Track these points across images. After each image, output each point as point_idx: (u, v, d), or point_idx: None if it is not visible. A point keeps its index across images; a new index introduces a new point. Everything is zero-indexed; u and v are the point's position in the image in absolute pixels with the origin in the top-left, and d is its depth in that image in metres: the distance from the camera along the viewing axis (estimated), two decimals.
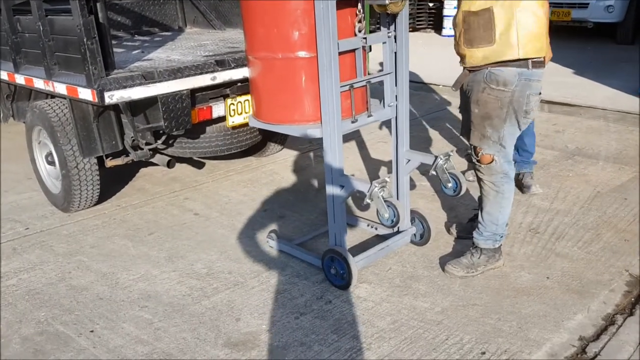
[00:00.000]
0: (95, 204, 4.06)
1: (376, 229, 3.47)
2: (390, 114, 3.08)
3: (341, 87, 2.71)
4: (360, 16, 2.79)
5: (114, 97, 3.01)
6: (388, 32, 2.94)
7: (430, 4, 12.11)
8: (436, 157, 3.01)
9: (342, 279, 2.94)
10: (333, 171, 2.84)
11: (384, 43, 2.98)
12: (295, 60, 2.74)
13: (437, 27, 12.08)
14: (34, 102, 3.90)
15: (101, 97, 2.96)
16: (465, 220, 3.55)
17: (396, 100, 3.06)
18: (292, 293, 2.97)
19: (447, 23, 11.50)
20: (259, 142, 4.21)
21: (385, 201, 2.70)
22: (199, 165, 4.83)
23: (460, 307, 2.79)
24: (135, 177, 4.66)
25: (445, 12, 11.41)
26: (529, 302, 2.81)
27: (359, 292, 2.95)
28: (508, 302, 2.81)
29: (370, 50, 3.09)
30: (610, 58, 8.47)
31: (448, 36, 11.39)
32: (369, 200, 2.73)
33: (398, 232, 3.28)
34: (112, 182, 4.43)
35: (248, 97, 3.53)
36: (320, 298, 2.92)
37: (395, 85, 3.04)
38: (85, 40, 2.89)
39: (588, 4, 9.51)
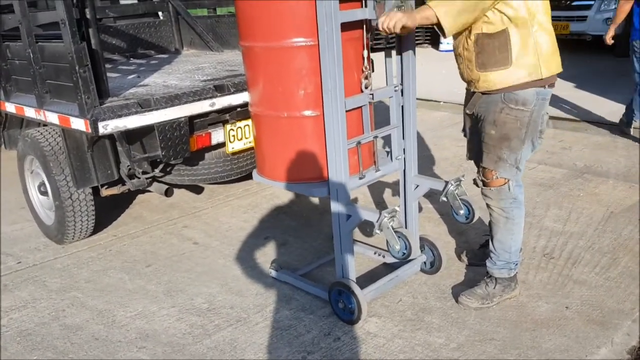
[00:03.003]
0: (90, 235, 3.90)
1: (383, 256, 3.32)
2: (398, 166, 2.99)
3: (348, 144, 2.63)
4: (367, 72, 2.72)
5: (108, 127, 2.87)
6: (395, 87, 2.87)
7: None
8: (447, 182, 2.87)
9: (350, 314, 2.79)
10: (339, 201, 2.70)
11: (390, 97, 2.90)
12: (301, 119, 2.66)
13: (434, 42, 12.02)
14: (26, 131, 3.77)
15: (95, 128, 2.82)
16: (477, 246, 3.41)
17: (404, 153, 2.97)
18: (298, 329, 2.81)
19: (444, 38, 11.42)
20: None
21: (395, 232, 2.56)
22: (198, 190, 4.69)
23: (477, 343, 2.63)
24: (132, 204, 4.51)
25: None
26: (549, 335, 2.66)
27: (369, 327, 2.79)
28: (527, 335, 2.66)
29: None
30: (610, 71, 8.39)
31: (445, 51, 11.33)
32: (378, 231, 2.59)
33: (407, 260, 3.14)
34: (108, 210, 4.28)
35: (248, 122, 3.40)
36: (328, 334, 2.76)
37: (403, 138, 2.95)
38: (77, 68, 2.76)
39: (586, 17, 9.46)
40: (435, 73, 8.86)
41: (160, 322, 2.95)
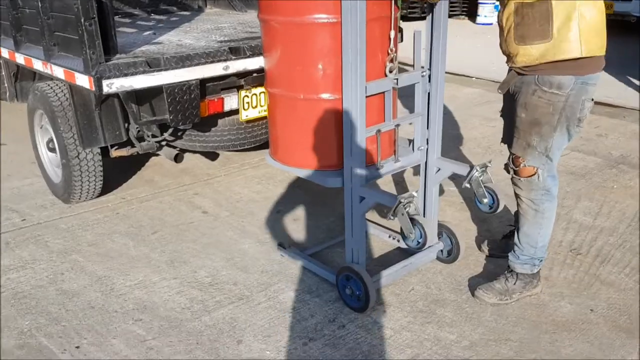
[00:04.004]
0: (98, 196, 3.79)
1: (398, 240, 3.13)
2: (420, 158, 2.79)
3: (367, 132, 2.45)
4: (392, 55, 2.50)
5: (113, 85, 2.70)
6: (422, 72, 2.64)
7: None
8: (471, 167, 2.65)
9: (358, 301, 2.62)
10: (353, 182, 2.50)
11: (417, 83, 2.68)
12: (318, 102, 2.49)
13: (472, 15, 11.56)
14: (37, 84, 3.62)
15: (99, 85, 2.65)
16: (499, 237, 3.20)
17: (427, 143, 2.76)
18: (302, 313, 2.66)
19: (482, 10, 11.01)
20: None
21: (411, 219, 2.36)
22: (212, 156, 4.53)
23: (491, 342, 2.45)
24: (144, 167, 4.37)
25: None
26: (570, 339, 2.46)
27: (377, 316, 2.63)
28: (546, 338, 2.47)
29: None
30: None
31: (482, 24, 10.91)
32: (392, 217, 2.40)
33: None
34: (119, 172, 4.15)
35: (264, 88, 3.20)
36: (333, 321, 2.60)
37: (427, 127, 2.74)
38: (82, 20, 2.58)
39: None
40: (469, 47, 8.51)
41: (160, 294, 2.82)
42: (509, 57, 2.52)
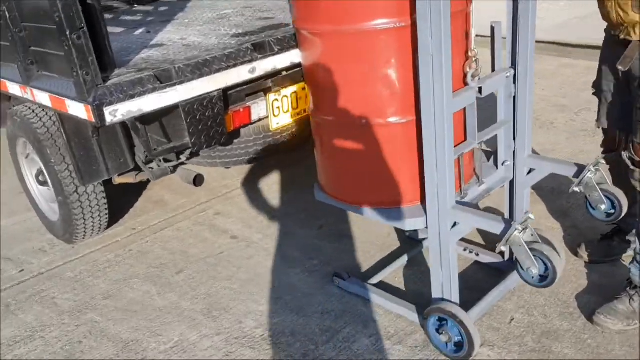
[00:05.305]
0: (104, 230, 3.21)
1: (477, 254, 2.62)
2: (506, 175, 2.27)
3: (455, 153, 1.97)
4: (473, 58, 1.97)
5: (117, 112, 2.10)
6: (506, 73, 2.09)
7: None
8: (581, 167, 2.11)
9: (458, 349, 2.10)
10: (440, 201, 1.96)
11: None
12: (386, 127, 1.99)
13: None
14: (15, 107, 3.00)
15: (100, 115, 2.05)
16: (594, 236, 2.68)
17: (514, 157, 2.23)
18: None
19: None
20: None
21: (531, 249, 1.83)
22: None
23: None
24: (150, 184, 3.78)
25: None
26: None
27: None
28: None
29: None
30: None
31: None
32: (503, 248, 1.86)
33: (508, 260, 2.48)
34: (122, 193, 3.55)
35: (295, 87, 2.62)
36: None
37: (514, 138, 2.21)
38: (68, 33, 1.96)
39: None
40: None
41: None
42: (621, 27, 1.98)
